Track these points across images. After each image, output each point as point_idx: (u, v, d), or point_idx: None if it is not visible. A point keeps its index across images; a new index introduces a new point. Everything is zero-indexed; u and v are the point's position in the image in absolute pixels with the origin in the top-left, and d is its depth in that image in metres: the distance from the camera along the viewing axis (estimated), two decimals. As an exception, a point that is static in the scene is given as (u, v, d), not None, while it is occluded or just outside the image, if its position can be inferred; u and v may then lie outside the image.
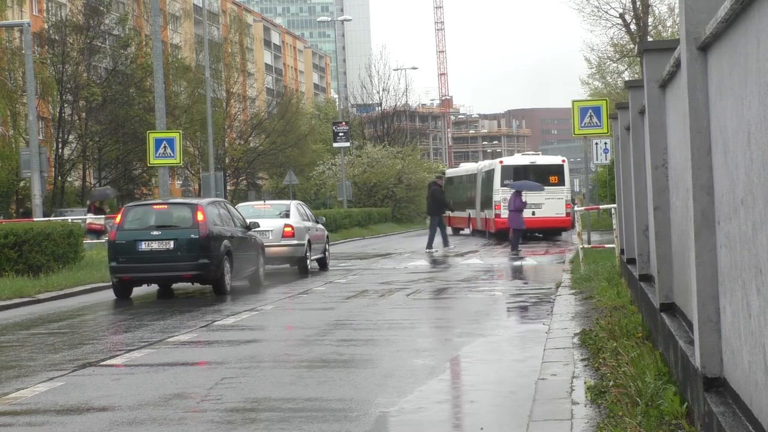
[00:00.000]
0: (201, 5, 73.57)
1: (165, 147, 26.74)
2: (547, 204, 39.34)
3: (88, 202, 36.54)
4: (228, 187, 67.58)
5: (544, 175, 40.07)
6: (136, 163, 67.56)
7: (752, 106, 4.31)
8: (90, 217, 33.53)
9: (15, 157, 45.56)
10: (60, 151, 62.72)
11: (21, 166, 33.13)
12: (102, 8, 68.03)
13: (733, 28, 4.71)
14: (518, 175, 40.20)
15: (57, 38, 64.06)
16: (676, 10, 41.33)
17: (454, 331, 13.27)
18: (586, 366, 9.36)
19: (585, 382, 8.38)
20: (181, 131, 30.50)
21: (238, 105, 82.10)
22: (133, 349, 11.98)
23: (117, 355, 11.59)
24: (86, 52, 64.67)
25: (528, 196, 37.38)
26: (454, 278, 22.02)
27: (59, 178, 62.26)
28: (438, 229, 34.39)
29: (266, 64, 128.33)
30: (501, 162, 42.92)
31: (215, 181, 37.86)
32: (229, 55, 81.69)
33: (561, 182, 40.43)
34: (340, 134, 59.98)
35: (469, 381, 9.70)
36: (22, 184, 56.01)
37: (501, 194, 40.29)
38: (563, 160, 42.11)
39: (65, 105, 62.75)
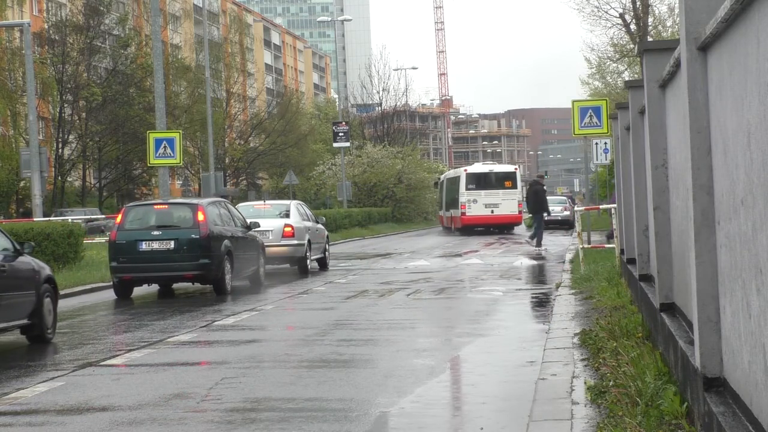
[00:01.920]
0: (201, 5, 73.58)
1: (165, 147, 26.73)
2: (503, 204, 48.27)
3: None
4: (228, 187, 67.58)
5: (501, 181, 49.17)
6: (136, 163, 67.58)
7: (752, 106, 4.31)
8: None
9: (15, 157, 45.56)
10: (60, 151, 62.72)
11: (21, 166, 33.13)
12: (102, 8, 68.06)
13: (733, 28, 4.71)
14: (479, 180, 49.25)
15: (57, 38, 64.08)
16: (676, 10, 41.34)
17: (454, 331, 13.26)
18: (586, 366, 9.36)
19: (585, 382, 8.38)
20: (181, 131, 30.50)
21: (238, 105, 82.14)
22: (133, 349, 11.98)
23: (117, 355, 11.59)
24: (86, 52, 64.69)
25: (487, 198, 48.22)
26: (454, 278, 22.02)
27: (59, 178, 62.27)
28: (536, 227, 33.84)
29: (266, 64, 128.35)
30: (465, 170, 51.69)
31: (215, 181, 37.85)
32: (229, 55, 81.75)
33: (514, 186, 49.27)
34: (340, 134, 60.00)
35: (469, 381, 9.70)
36: (22, 184, 56.01)
37: (466, 197, 48.90)
38: (516, 168, 52.03)
39: (65, 105, 62.76)
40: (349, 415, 7.83)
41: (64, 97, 61.95)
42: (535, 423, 7.25)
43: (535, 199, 33.86)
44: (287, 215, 25.22)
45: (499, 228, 48.81)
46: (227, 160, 73.03)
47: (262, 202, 28.51)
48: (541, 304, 16.03)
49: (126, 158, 67.04)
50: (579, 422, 7.07)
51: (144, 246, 19.06)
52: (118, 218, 20.11)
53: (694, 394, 6.12)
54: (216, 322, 14.65)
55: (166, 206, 20.66)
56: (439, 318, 15.24)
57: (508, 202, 48.51)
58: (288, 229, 24.39)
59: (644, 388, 7.30)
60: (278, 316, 15.66)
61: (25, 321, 12.71)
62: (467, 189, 49.22)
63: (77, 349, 12.33)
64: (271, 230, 24.13)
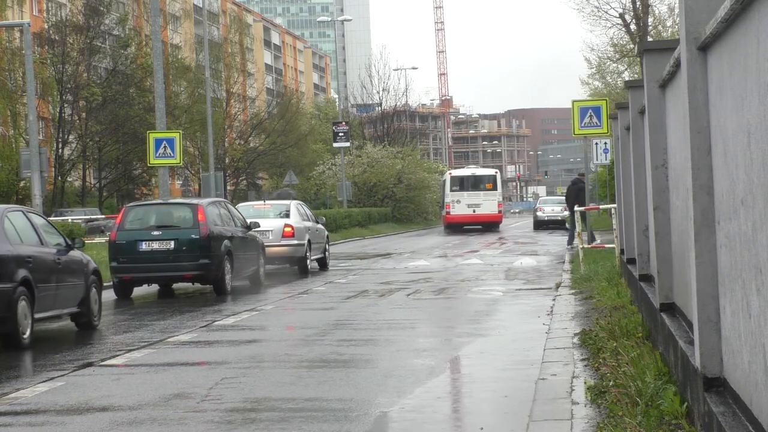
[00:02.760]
0: (201, 5, 73.59)
1: (165, 147, 26.72)
2: (484, 204, 53.62)
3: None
4: (228, 187, 67.57)
5: (483, 183, 54.64)
6: (136, 163, 67.54)
7: (752, 106, 4.31)
8: None
9: (15, 157, 45.53)
10: (60, 151, 62.68)
11: (21, 166, 33.09)
12: (102, 8, 68.02)
13: (733, 28, 4.71)
14: (462, 183, 54.76)
15: (57, 38, 64.03)
16: (676, 10, 41.33)
17: (454, 331, 13.27)
18: (586, 366, 9.36)
19: (585, 382, 8.38)
20: (181, 131, 30.49)
21: (238, 105, 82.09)
22: (133, 349, 11.98)
23: (117, 355, 11.58)
24: (86, 52, 64.65)
25: (469, 198, 53.61)
26: (454, 278, 22.01)
27: (59, 178, 62.24)
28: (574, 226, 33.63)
29: (266, 64, 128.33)
30: (450, 173, 57.88)
31: (215, 181, 37.83)
32: (229, 55, 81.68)
33: (494, 188, 54.43)
34: (340, 134, 60.01)
35: (469, 381, 9.70)
36: (22, 184, 55.96)
37: (450, 197, 54.39)
38: (495, 172, 57.23)
39: (65, 105, 62.73)
40: (349, 415, 7.83)
41: (64, 97, 61.91)
42: (535, 423, 7.26)
43: (576, 196, 33.57)
44: (287, 215, 25.23)
45: (482, 226, 54.09)
46: (227, 160, 72.97)
47: (262, 202, 28.48)
48: (541, 304, 16.03)
49: (126, 158, 66.99)
50: (579, 422, 7.07)
51: (144, 246, 19.03)
52: (118, 218, 20.11)
53: (694, 394, 6.12)
54: (216, 322, 14.65)
55: (166, 206, 20.74)
56: (439, 318, 15.24)
57: (488, 203, 54.10)
58: (288, 229, 24.39)
59: (644, 388, 7.30)
60: (278, 316, 15.66)
61: (75, 309, 14.13)
62: (452, 190, 54.54)
63: (77, 349, 12.34)
64: (271, 230, 24.12)
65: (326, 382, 9.35)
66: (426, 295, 18.28)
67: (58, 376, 10.13)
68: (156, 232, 19.28)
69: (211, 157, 40.83)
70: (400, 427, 7.63)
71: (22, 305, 12.42)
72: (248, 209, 25.58)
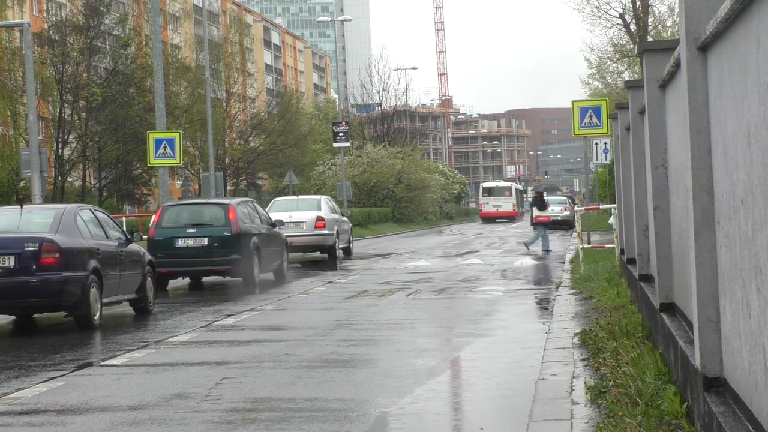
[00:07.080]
0: (201, 5, 73.57)
1: (165, 147, 26.79)
2: (504, 205, 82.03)
3: (532, 195, 37.58)
4: (228, 187, 67.55)
5: (502, 191, 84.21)
6: (136, 163, 67.47)
7: (752, 106, 4.31)
8: (536, 211, 34.17)
9: (15, 157, 45.50)
10: (60, 151, 62.64)
11: (21, 166, 33.13)
12: (102, 8, 67.95)
13: (733, 28, 4.71)
14: (491, 191, 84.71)
15: (57, 38, 63.96)
16: (676, 10, 41.31)
17: (454, 331, 13.26)
18: (586, 366, 9.36)
19: (585, 382, 8.38)
20: (181, 131, 30.51)
21: (238, 105, 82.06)
22: (133, 349, 11.98)
23: (117, 355, 11.58)
24: (86, 52, 64.59)
25: (495, 201, 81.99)
26: (454, 278, 22.02)
27: (59, 178, 62.20)
28: None
29: (266, 64, 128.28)
30: (482, 185, 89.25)
31: (215, 181, 37.82)
32: (229, 55, 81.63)
33: (511, 195, 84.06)
34: (340, 134, 59.99)
35: (469, 381, 9.69)
36: (22, 184, 55.91)
37: (482, 200, 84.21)
38: (511, 184, 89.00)
39: (65, 105, 62.68)
40: (349, 415, 7.83)
41: (64, 97, 61.84)
42: (535, 423, 7.26)
43: None
44: (318, 208, 28.88)
45: (502, 218, 78.98)
46: (227, 160, 72.96)
47: (295, 197, 31.96)
48: (541, 304, 16.03)
49: (126, 158, 66.94)
50: (579, 422, 7.07)
51: (180, 243, 20.59)
52: (156, 217, 21.74)
53: (694, 394, 6.12)
54: (216, 322, 14.65)
55: (200, 206, 22.70)
56: (439, 318, 15.24)
57: (506, 204, 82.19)
58: (320, 220, 27.89)
59: (644, 388, 7.30)
60: (278, 316, 15.66)
61: (134, 295, 15.87)
62: (483, 195, 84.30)
63: (77, 350, 12.33)
64: (305, 222, 27.67)
65: (326, 382, 9.35)
66: (426, 295, 18.28)
67: (58, 376, 10.12)
68: (191, 230, 20.81)
69: (211, 157, 40.81)
70: (400, 427, 7.63)
71: (93, 291, 14.14)
72: (282, 203, 29.75)
